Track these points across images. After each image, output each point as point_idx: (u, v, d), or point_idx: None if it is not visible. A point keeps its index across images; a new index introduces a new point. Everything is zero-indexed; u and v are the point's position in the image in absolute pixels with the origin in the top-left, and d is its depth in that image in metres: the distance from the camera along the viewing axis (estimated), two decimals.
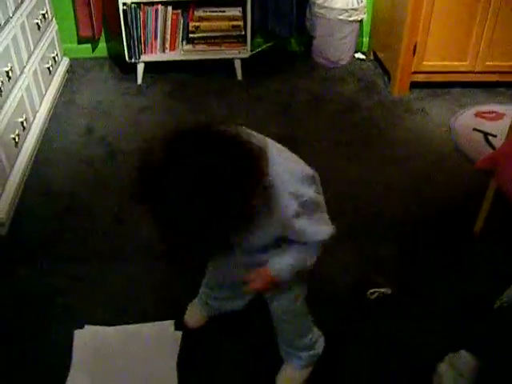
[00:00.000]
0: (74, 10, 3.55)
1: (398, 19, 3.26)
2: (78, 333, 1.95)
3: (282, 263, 1.40)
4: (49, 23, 3.16)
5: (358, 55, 3.80)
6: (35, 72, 2.85)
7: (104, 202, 2.52)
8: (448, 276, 2.17)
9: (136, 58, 3.38)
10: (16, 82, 2.58)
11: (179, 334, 1.95)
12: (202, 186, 1.05)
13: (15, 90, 2.55)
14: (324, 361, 1.81)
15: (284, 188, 1.25)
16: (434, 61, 3.26)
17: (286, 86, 3.46)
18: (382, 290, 2.10)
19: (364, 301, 2.07)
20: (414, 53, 3.21)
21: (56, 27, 3.29)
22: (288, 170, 1.29)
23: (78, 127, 3.05)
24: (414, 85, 3.37)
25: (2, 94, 2.39)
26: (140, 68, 3.44)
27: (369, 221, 2.42)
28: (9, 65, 2.46)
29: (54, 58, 3.17)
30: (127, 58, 3.38)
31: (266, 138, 1.32)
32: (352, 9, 3.45)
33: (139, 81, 3.47)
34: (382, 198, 2.56)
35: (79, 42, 3.72)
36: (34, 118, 2.82)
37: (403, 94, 3.36)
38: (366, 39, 3.85)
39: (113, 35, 3.65)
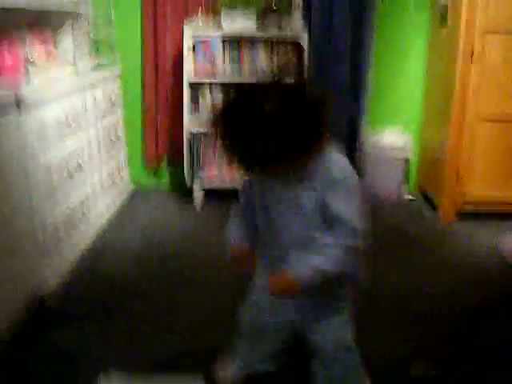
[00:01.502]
0: (143, 142, 3.96)
1: (440, 155, 3.46)
2: (102, 376, 1.93)
3: (303, 263, 1.41)
4: (121, 147, 3.54)
5: (407, 196, 3.94)
6: (101, 178, 3.13)
7: (155, 290, 2.60)
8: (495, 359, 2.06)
9: (196, 185, 3.66)
10: (85, 177, 2.84)
11: None
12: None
13: (82, 183, 2.81)
14: None
15: (338, 157, 1.44)
16: (479, 191, 3.36)
17: None
18: (427, 369, 1.99)
19: (408, 379, 1.96)
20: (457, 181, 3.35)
21: (126, 151, 3.65)
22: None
23: (135, 234, 3.22)
24: (462, 217, 3.44)
25: (73, 179, 2.64)
26: (198, 195, 3.69)
27: (411, 314, 2.40)
28: (81, 160, 2.75)
29: (121, 175, 3.47)
30: (188, 183, 3.66)
31: None
32: (398, 148, 3.69)
33: (198, 208, 3.69)
34: (425, 297, 2.55)
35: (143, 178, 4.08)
36: (95, 216, 3.03)
37: (450, 222, 3.43)
38: (414, 182, 4.03)
39: (175, 166, 3.99)
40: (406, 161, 3.79)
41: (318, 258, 1.41)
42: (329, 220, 1.41)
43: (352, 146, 3.84)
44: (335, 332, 1.60)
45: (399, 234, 3.29)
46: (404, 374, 1.98)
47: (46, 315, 2.37)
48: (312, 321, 1.62)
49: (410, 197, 3.95)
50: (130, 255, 2.97)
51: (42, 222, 2.36)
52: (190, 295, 2.54)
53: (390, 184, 3.79)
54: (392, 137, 3.82)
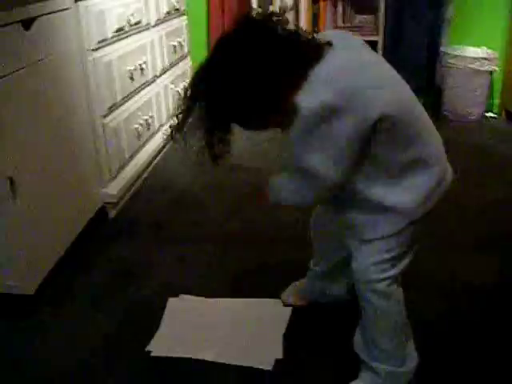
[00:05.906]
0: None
1: None
2: (171, 300, 1.84)
3: (275, 181, 1.33)
4: (185, 56, 3.35)
5: (490, 114, 3.62)
6: (164, 85, 2.96)
7: (219, 201, 2.50)
8: None
9: None
10: (148, 83, 2.69)
11: (289, 309, 1.77)
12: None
13: (145, 88, 2.66)
14: None
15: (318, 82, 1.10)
16: None
17: None
18: None
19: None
20: None
21: (190, 63, 3.48)
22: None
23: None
24: None
25: (134, 82, 2.49)
26: None
27: (503, 234, 2.20)
28: (142, 62, 2.59)
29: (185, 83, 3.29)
30: None
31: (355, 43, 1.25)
32: (483, 58, 3.36)
33: None
34: None
35: None
36: (161, 128, 2.90)
37: None
38: (497, 100, 3.69)
39: None
40: (491, 74, 3.45)
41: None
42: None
43: (431, 58, 3.54)
44: (362, 262, 1.31)
45: (482, 153, 3.03)
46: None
47: (108, 226, 2.29)
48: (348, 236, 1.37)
49: (493, 115, 3.64)
50: (199, 167, 2.83)
51: (103, 126, 2.23)
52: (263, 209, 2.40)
53: (473, 99, 3.47)
54: (475, 50, 3.48)
